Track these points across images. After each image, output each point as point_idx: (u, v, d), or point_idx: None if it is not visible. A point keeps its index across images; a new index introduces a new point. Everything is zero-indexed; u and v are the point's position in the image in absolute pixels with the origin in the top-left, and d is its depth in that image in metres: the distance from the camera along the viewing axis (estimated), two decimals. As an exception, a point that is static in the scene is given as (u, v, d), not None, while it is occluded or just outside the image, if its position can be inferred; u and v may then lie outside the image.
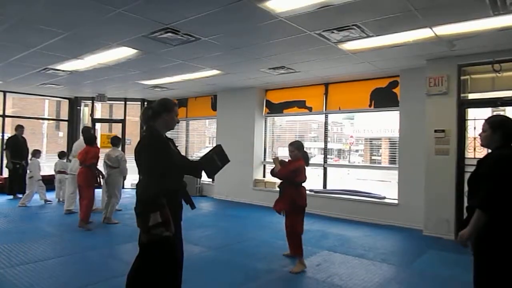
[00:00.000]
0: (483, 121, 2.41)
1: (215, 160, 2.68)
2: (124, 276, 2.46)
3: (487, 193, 2.13)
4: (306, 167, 4.20)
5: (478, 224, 2.15)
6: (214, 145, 3.06)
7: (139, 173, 2.44)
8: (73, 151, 6.92)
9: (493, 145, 2.33)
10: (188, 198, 2.57)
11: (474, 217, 2.17)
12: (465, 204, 5.89)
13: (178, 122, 2.66)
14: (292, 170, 4.10)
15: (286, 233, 4.29)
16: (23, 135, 8.68)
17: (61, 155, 8.40)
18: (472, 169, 5.92)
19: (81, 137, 6.75)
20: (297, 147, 4.20)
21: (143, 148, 2.40)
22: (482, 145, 2.44)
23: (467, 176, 5.51)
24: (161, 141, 2.44)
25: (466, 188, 5.43)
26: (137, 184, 2.46)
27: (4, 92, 9.75)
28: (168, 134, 2.65)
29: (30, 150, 8.25)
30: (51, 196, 8.25)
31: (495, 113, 5.79)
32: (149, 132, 2.48)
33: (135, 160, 2.45)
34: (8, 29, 4.68)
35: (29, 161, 8.02)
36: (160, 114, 2.50)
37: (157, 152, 2.36)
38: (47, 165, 10.90)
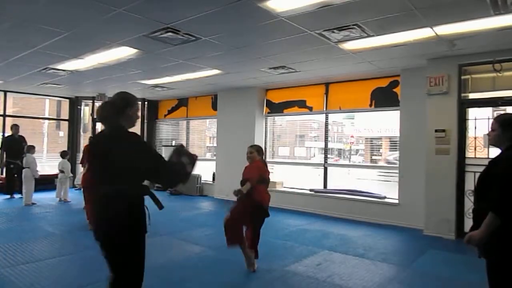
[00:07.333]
0: (492, 120, 2.31)
1: (184, 165, 2.23)
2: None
3: (501, 195, 2.02)
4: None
5: (491, 228, 2.04)
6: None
7: (113, 175, 2.09)
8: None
9: (503, 144, 2.22)
10: (155, 199, 2.27)
11: (486, 220, 2.06)
12: (466, 204, 5.81)
13: (138, 118, 2.39)
14: (255, 177, 3.86)
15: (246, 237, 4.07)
16: (21, 134, 8.69)
17: (63, 154, 8.43)
18: (472, 168, 5.89)
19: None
20: (257, 150, 4.07)
21: (136, 146, 2.15)
22: (490, 144, 2.33)
23: (467, 175, 5.52)
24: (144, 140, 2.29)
25: (466, 188, 5.45)
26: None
27: (5, 92, 9.76)
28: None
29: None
30: (51, 195, 8.27)
31: (502, 112, 5.68)
32: (124, 131, 2.21)
33: (99, 160, 2.16)
34: (8, 29, 4.68)
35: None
36: (124, 109, 2.25)
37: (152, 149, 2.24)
38: (47, 165, 10.95)
